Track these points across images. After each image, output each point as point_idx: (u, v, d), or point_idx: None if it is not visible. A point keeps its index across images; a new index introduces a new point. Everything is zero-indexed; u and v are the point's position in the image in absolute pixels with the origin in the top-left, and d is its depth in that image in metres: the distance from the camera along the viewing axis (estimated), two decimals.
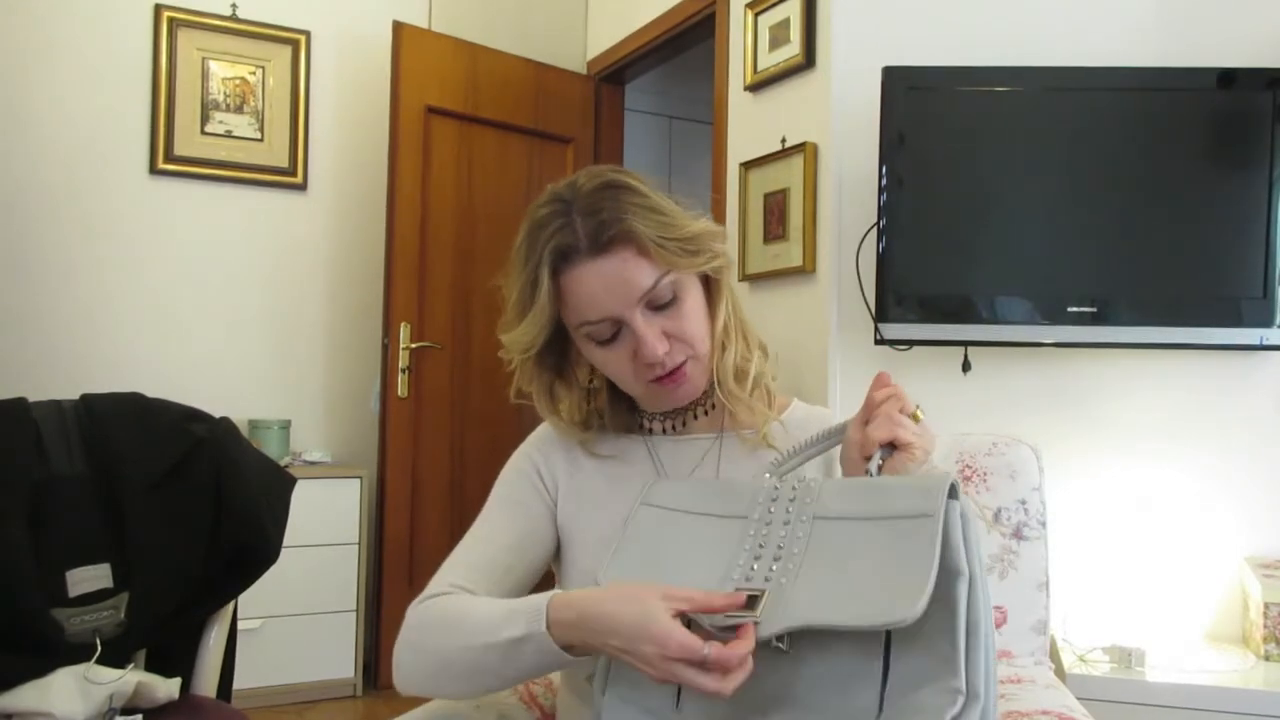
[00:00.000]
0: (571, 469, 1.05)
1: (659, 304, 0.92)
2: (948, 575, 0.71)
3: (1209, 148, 2.03)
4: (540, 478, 1.05)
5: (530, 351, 0.97)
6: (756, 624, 0.73)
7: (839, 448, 0.91)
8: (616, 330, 0.92)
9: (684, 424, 1.05)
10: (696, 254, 0.92)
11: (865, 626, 0.71)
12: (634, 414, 1.08)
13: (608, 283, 0.90)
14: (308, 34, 3.28)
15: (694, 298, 0.95)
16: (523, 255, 0.93)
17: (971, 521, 0.73)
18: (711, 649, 0.71)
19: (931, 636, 0.70)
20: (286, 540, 1.58)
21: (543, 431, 1.10)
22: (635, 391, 1.00)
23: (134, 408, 1.51)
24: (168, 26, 3.08)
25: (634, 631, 0.75)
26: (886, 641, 0.73)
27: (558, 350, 1.01)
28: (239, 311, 3.22)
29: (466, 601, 0.91)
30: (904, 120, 2.06)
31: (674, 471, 1.04)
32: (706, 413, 1.05)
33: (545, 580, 1.04)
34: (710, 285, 0.99)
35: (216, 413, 1.57)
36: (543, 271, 0.90)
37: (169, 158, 3.09)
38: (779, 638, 0.74)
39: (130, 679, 1.33)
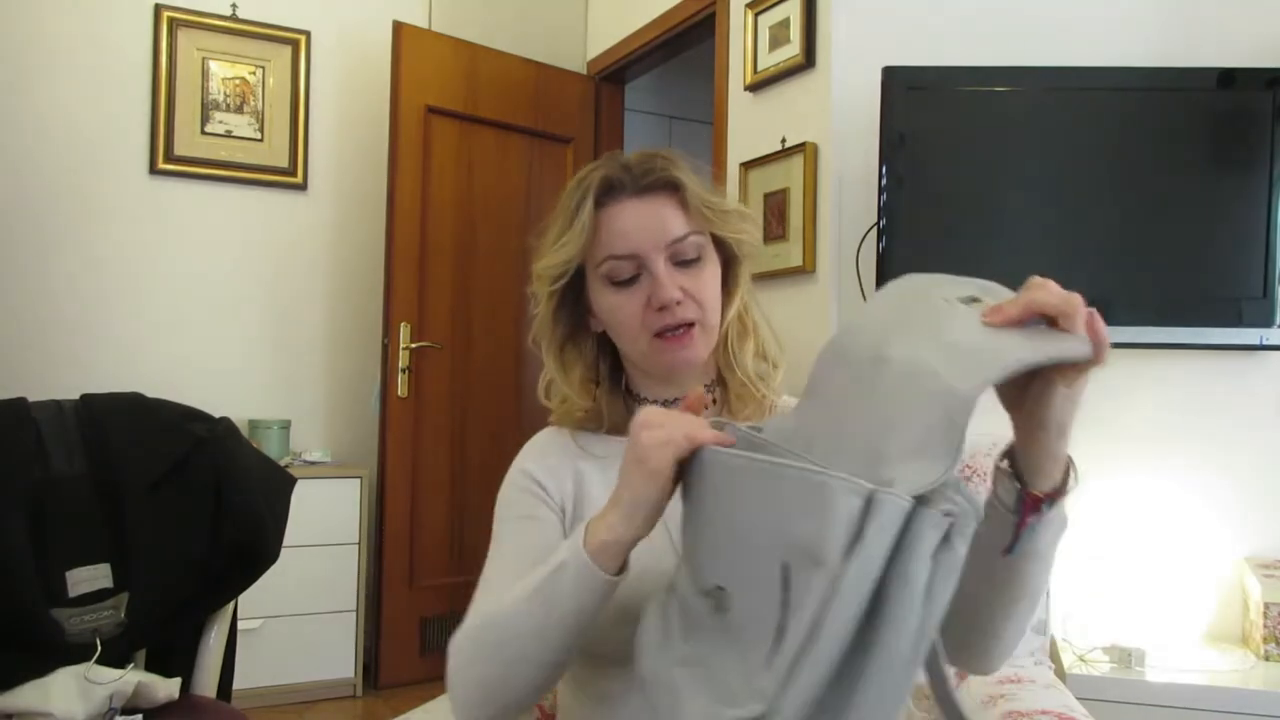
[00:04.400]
0: (577, 476, 1.02)
1: (682, 259, 0.96)
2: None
3: (1209, 148, 2.03)
4: (542, 487, 1.01)
5: (558, 283, 0.98)
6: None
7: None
8: (636, 274, 0.95)
9: None
10: (726, 224, 0.98)
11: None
12: (631, 408, 1.06)
13: (642, 221, 0.94)
14: (308, 34, 3.28)
15: (713, 268, 0.98)
16: (568, 191, 0.98)
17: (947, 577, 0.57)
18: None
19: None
20: (286, 540, 1.58)
21: (531, 447, 1.07)
22: (639, 347, 0.98)
23: (134, 407, 1.51)
24: (168, 26, 3.08)
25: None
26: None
27: (576, 306, 1.02)
28: (239, 311, 3.22)
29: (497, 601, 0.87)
30: (904, 120, 2.06)
31: None
32: (705, 409, 1.04)
33: None
34: (730, 269, 1.02)
35: (216, 413, 1.58)
36: (587, 200, 0.94)
37: (169, 158, 3.09)
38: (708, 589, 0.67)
39: (130, 679, 1.33)
